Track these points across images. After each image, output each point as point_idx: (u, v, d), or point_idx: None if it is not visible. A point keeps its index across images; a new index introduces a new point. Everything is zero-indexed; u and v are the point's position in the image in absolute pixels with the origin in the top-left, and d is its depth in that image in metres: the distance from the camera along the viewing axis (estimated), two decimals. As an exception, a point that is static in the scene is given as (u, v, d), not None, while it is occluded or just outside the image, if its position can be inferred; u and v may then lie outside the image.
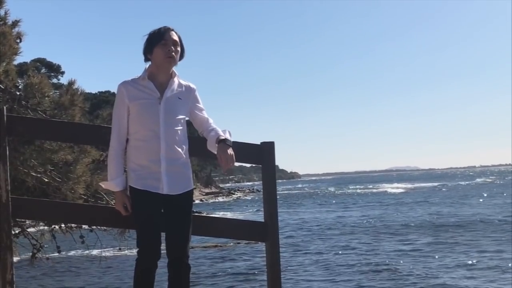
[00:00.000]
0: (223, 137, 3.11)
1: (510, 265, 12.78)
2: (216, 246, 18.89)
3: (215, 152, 3.12)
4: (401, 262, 14.11)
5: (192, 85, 3.25)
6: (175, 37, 3.11)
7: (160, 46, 3.06)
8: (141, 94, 3.07)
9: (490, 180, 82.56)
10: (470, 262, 13.57)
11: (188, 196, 3.13)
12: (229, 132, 3.20)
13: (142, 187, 3.03)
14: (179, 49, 3.12)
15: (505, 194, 40.44)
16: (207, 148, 3.22)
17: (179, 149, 3.09)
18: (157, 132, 3.02)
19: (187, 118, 3.23)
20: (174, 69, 3.18)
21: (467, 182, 77.69)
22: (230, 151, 3.08)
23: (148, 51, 3.11)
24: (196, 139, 3.42)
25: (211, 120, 3.28)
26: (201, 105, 3.27)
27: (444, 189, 59.52)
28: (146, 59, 3.15)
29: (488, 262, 13.46)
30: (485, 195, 42.39)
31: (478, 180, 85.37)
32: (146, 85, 3.08)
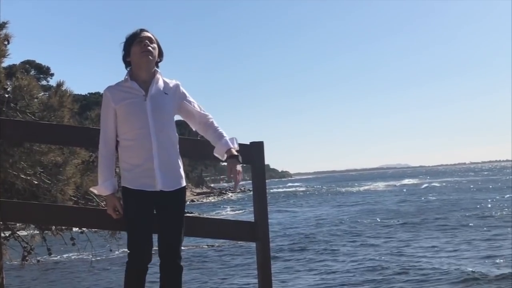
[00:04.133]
0: (236, 154, 3.13)
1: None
2: (208, 245, 18.88)
3: (221, 158, 3.19)
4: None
5: (176, 81, 3.24)
6: (149, 35, 3.13)
7: (136, 44, 3.09)
8: (126, 95, 3.07)
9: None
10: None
11: (181, 194, 3.12)
12: (236, 140, 3.23)
13: (136, 187, 3.02)
14: (155, 45, 3.13)
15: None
16: (211, 148, 3.24)
17: (170, 145, 3.10)
18: (147, 129, 3.02)
19: (178, 118, 3.24)
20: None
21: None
22: (240, 167, 3.12)
23: (127, 54, 3.13)
24: (187, 140, 3.43)
25: (210, 116, 3.26)
26: (191, 98, 3.26)
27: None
28: (127, 65, 3.16)
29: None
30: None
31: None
32: (130, 86, 3.09)
